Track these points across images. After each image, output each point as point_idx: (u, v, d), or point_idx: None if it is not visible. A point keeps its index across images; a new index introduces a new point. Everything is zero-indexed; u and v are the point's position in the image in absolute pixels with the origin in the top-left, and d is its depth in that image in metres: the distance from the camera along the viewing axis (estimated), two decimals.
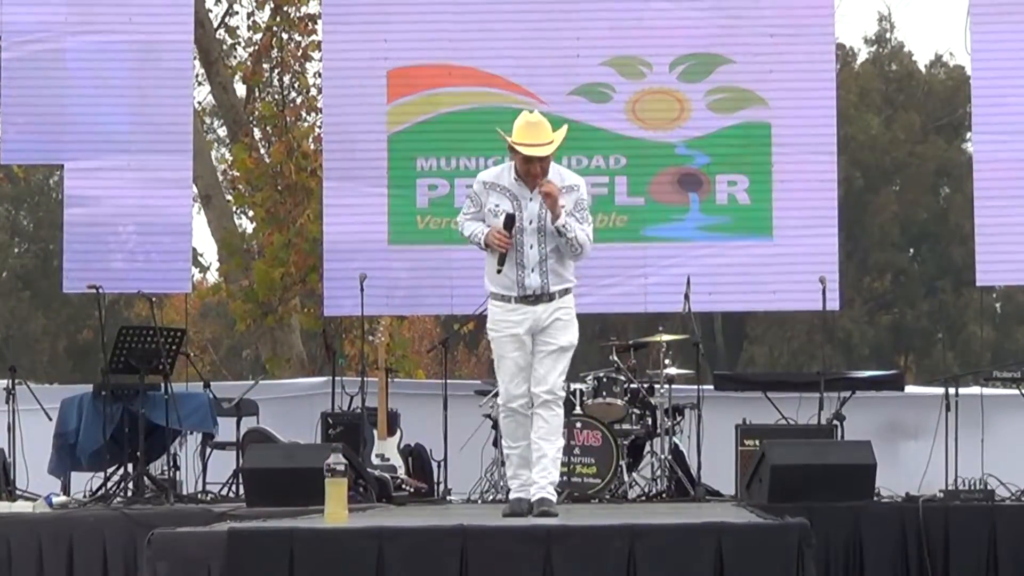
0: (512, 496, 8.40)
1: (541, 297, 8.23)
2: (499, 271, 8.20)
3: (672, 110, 12.62)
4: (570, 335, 8.31)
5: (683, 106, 12.61)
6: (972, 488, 9.97)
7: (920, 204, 33.35)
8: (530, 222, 8.22)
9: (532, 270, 8.21)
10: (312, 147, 18.23)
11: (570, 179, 8.37)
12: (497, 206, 8.24)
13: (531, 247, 8.21)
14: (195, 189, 17.46)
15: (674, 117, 12.63)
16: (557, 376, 8.26)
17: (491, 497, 11.17)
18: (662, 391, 11.56)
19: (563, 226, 8.16)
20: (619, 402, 11.48)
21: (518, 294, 8.24)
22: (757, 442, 10.79)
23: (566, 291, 8.31)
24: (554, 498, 8.20)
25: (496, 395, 8.70)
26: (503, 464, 10.00)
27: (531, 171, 8.17)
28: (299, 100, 19.55)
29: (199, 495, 11.22)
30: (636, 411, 11.58)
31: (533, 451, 8.21)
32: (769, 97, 12.49)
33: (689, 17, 12.54)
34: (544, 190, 8.14)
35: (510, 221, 8.17)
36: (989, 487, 10.01)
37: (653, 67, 12.60)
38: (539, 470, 8.17)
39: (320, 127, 16.84)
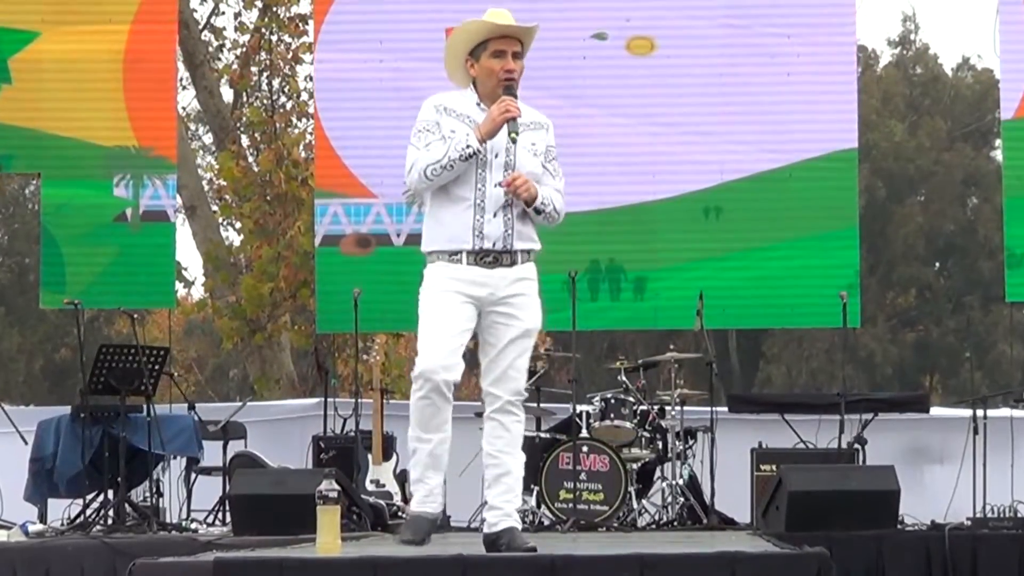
0: (413, 511, 7.06)
1: (501, 258, 6.87)
2: (514, 138, 6.82)
3: None
4: (535, 315, 7.00)
5: None
6: (1001, 515, 9.98)
7: (946, 215, 33.39)
8: (496, 155, 6.87)
9: (495, 215, 6.85)
10: (303, 155, 18.26)
11: (536, 115, 7.07)
12: (453, 132, 6.88)
13: (496, 186, 6.86)
14: (179, 199, 17.48)
15: None
16: (523, 371, 7.00)
17: None
18: (673, 413, 11.58)
19: (541, 203, 6.90)
20: (628, 425, 11.49)
21: (473, 246, 6.85)
22: (774, 467, 10.77)
23: (529, 254, 6.97)
24: (520, 527, 7.04)
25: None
26: None
27: (505, 66, 6.94)
28: (289, 105, 19.59)
29: (183, 523, 11.20)
30: (646, 434, 11.59)
31: (492, 467, 6.97)
32: (786, 101, 12.47)
33: (702, 17, 12.53)
34: (512, 186, 6.82)
35: (509, 91, 6.92)
36: (1019, 514, 10.02)
37: None
38: (502, 491, 6.94)
39: (311, 134, 16.85)
